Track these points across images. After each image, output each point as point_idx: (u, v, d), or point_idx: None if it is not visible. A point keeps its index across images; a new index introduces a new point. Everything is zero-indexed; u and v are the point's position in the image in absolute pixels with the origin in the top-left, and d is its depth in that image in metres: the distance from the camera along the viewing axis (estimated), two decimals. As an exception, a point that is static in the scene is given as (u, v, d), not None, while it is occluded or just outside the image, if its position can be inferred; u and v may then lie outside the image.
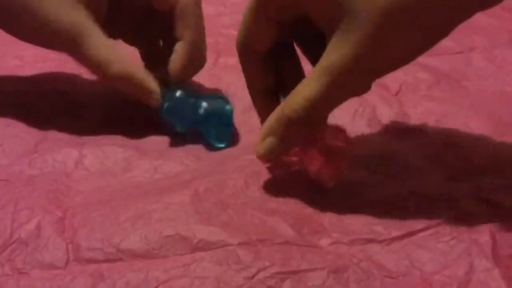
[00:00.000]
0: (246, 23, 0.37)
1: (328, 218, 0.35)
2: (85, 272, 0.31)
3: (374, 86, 0.34)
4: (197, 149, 0.42)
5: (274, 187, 0.37)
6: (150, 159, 0.40)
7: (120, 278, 0.31)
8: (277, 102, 0.38)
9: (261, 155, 0.36)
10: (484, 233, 0.33)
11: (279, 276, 0.31)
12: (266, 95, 0.39)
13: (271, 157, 0.36)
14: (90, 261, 0.32)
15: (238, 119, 0.44)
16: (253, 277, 0.31)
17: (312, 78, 0.33)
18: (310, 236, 0.34)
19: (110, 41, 0.41)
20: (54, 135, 0.43)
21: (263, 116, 0.39)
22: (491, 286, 0.30)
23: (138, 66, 0.42)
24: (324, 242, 0.33)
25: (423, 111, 0.46)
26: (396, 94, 0.49)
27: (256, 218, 0.35)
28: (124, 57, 0.41)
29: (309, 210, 0.35)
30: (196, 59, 0.43)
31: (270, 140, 0.36)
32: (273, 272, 0.31)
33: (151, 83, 0.41)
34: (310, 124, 0.35)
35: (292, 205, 0.36)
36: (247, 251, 0.32)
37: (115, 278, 0.31)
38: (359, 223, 0.34)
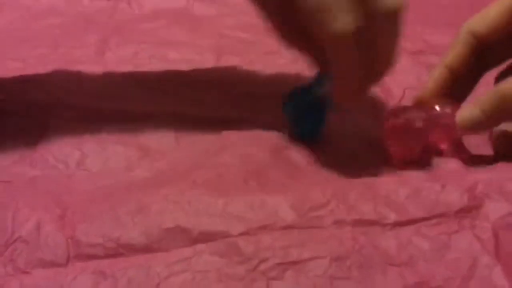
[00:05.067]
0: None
1: (332, 191, 0.34)
2: (86, 269, 0.31)
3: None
4: (202, 146, 0.41)
5: (273, 183, 0.37)
6: (152, 160, 0.40)
7: (122, 276, 0.31)
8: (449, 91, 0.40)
9: (460, 120, 0.37)
10: (486, 230, 0.32)
11: (280, 267, 0.30)
12: (450, 74, 0.40)
13: (469, 126, 0.37)
14: (91, 257, 0.32)
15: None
16: (254, 269, 0.30)
17: None
18: (312, 215, 0.33)
19: None
20: (56, 136, 0.42)
21: (429, 88, 0.41)
22: (494, 282, 0.30)
23: None
24: (327, 220, 0.33)
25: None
26: (400, 100, 0.48)
27: (256, 200, 0.34)
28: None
29: (312, 195, 0.35)
30: None
31: (474, 111, 0.37)
32: (274, 263, 0.30)
33: None
34: None
35: (293, 195, 0.35)
36: (247, 242, 0.32)
37: (117, 275, 0.31)
38: (363, 200, 0.34)
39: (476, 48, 0.40)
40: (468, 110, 0.37)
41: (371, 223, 0.33)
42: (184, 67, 0.51)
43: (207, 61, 0.52)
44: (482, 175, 0.36)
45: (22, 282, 0.31)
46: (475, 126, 0.37)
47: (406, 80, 0.49)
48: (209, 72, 0.50)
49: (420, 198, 0.34)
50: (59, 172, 0.39)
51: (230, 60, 0.52)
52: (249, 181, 0.36)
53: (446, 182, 0.35)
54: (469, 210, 0.34)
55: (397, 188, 0.35)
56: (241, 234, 0.32)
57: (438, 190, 0.35)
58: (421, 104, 0.40)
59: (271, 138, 0.41)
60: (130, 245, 0.32)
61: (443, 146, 0.39)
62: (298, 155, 0.40)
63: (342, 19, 0.34)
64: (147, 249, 0.32)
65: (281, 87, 0.44)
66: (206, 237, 0.32)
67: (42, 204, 0.35)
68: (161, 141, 0.42)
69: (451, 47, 0.41)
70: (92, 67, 0.51)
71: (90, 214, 0.34)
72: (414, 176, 0.36)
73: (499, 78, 0.41)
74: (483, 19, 0.39)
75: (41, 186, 0.37)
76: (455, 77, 0.40)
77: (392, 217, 0.33)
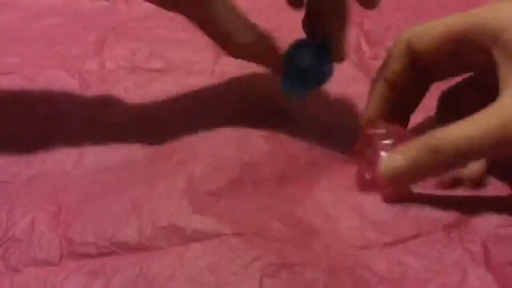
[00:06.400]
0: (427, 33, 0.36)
1: (320, 223, 0.34)
2: (79, 268, 0.31)
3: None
4: (196, 145, 0.40)
5: (267, 183, 0.36)
6: (151, 157, 0.39)
7: (114, 275, 0.30)
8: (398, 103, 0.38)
9: (382, 172, 0.34)
10: (476, 243, 0.32)
11: (274, 266, 0.30)
12: (391, 89, 0.38)
13: (391, 179, 0.34)
14: (83, 256, 0.32)
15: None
16: (247, 266, 0.30)
17: (480, 117, 0.32)
18: (303, 237, 0.33)
19: (237, 9, 0.38)
20: (55, 135, 0.42)
21: (373, 106, 0.38)
22: None
23: (263, 33, 0.40)
24: (317, 246, 0.32)
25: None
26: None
27: (249, 213, 0.34)
28: (250, 25, 0.39)
29: (300, 213, 0.35)
30: None
31: (398, 159, 0.33)
32: (268, 262, 0.30)
33: (277, 51, 0.40)
34: (454, 165, 0.33)
35: (283, 205, 0.35)
36: (241, 241, 0.31)
37: (109, 275, 0.30)
38: (351, 228, 0.34)
39: (416, 63, 0.37)
40: (391, 159, 0.34)
41: (361, 247, 0.32)
42: (183, 66, 0.51)
43: (206, 60, 0.51)
44: (467, 192, 0.36)
45: (13, 281, 0.31)
46: (399, 177, 0.34)
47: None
48: (207, 71, 0.50)
49: (408, 216, 0.34)
50: (56, 170, 0.38)
51: (228, 59, 0.52)
52: (244, 179, 0.36)
53: (432, 199, 0.35)
54: (457, 225, 0.33)
55: (384, 207, 0.35)
56: (235, 233, 0.32)
57: (425, 207, 0.34)
58: (369, 124, 0.38)
59: (267, 132, 0.41)
60: (123, 243, 0.32)
61: None
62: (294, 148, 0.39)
63: None
64: (140, 247, 0.32)
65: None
66: (200, 235, 0.32)
67: (37, 201, 0.35)
68: (160, 141, 0.41)
69: (388, 59, 0.38)
70: (90, 65, 0.51)
71: (84, 211, 0.34)
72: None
73: (442, 101, 0.39)
74: (424, 36, 0.36)
75: (37, 183, 0.37)
76: (398, 92, 0.38)
77: (381, 239, 0.33)
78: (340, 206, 0.35)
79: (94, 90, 0.48)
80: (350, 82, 0.47)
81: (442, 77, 0.38)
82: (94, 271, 0.31)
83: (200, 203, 0.34)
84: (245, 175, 0.36)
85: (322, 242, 0.33)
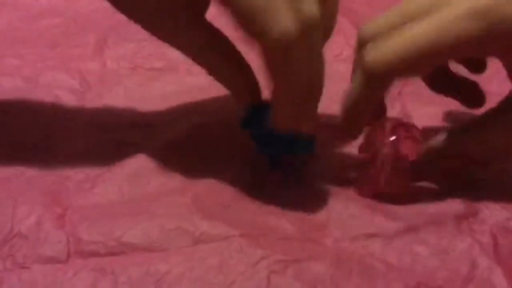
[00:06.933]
0: None
1: (327, 216, 0.35)
2: (86, 266, 0.31)
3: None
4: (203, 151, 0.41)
5: (273, 192, 0.37)
6: (157, 167, 0.39)
7: (122, 273, 0.30)
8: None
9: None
10: (485, 234, 0.33)
11: (281, 263, 0.31)
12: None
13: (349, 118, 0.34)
14: (91, 254, 0.32)
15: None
16: (255, 264, 0.31)
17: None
18: (311, 233, 0.33)
19: None
20: (54, 135, 0.42)
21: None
22: (494, 283, 0.30)
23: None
24: (326, 240, 0.33)
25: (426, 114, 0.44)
26: (399, 94, 0.47)
27: (257, 216, 0.34)
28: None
29: (308, 210, 0.35)
30: None
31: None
32: (275, 260, 0.31)
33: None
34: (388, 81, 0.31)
35: (292, 207, 0.35)
36: (249, 241, 0.32)
37: (117, 272, 0.31)
38: (360, 218, 0.34)
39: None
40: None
41: (370, 236, 0.33)
42: (183, 66, 0.51)
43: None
44: (475, 186, 0.36)
45: (20, 277, 0.31)
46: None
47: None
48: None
49: (418, 208, 0.35)
50: (58, 174, 0.38)
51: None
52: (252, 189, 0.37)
53: (441, 192, 0.36)
54: (466, 217, 0.34)
55: (393, 198, 0.35)
56: (243, 234, 0.32)
57: (434, 200, 0.35)
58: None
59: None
60: (131, 244, 0.32)
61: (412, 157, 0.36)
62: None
63: (283, 21, 0.30)
64: (148, 248, 0.32)
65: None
66: (208, 237, 0.32)
67: (41, 203, 0.35)
68: (166, 148, 0.41)
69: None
70: (91, 66, 0.51)
71: (90, 214, 0.34)
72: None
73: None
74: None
75: (40, 186, 0.37)
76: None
77: (391, 227, 0.33)
78: (348, 199, 0.36)
79: (94, 90, 0.48)
80: (348, 79, 0.47)
81: None
82: (102, 269, 0.31)
83: (209, 211, 0.34)
84: (253, 188, 0.37)
85: (331, 236, 0.33)
